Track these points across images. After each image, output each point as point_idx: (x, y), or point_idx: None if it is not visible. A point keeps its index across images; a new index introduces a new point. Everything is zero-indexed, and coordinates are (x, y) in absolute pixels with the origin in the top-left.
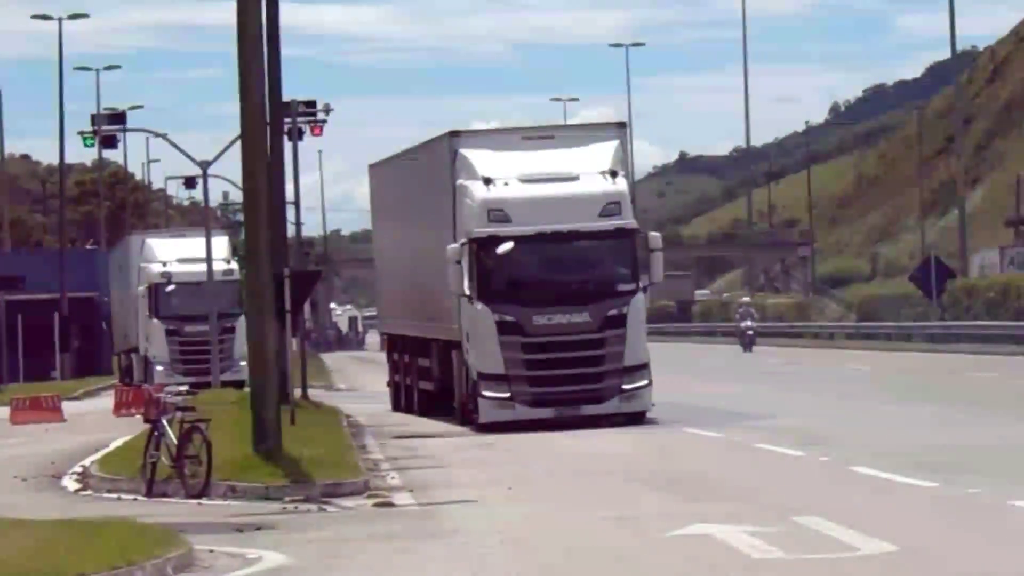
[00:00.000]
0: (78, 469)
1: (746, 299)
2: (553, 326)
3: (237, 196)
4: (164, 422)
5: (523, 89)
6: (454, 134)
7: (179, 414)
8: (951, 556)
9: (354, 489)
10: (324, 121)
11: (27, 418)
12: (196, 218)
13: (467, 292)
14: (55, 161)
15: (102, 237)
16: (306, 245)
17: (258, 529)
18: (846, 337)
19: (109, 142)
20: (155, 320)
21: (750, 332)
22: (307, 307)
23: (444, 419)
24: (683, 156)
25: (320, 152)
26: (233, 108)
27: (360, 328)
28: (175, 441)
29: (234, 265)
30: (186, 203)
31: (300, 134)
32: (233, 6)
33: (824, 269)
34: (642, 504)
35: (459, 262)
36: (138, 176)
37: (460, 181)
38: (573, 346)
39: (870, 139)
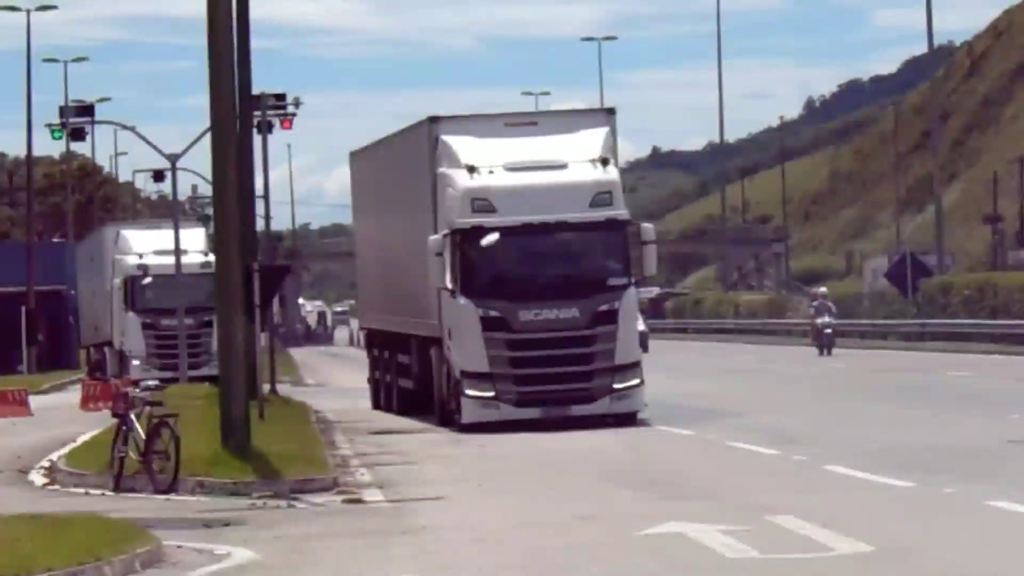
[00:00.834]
0: (45, 464)
1: (823, 289)
2: (540, 322)
3: (206, 189)
4: (132, 417)
5: (494, 83)
6: (434, 120)
7: (147, 409)
8: (927, 556)
9: (323, 485)
10: (294, 114)
11: None
12: (164, 212)
13: (449, 286)
14: (22, 153)
15: (70, 230)
16: (275, 239)
17: (226, 525)
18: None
19: (77, 135)
20: (131, 313)
21: (828, 331)
22: (276, 302)
23: (423, 419)
24: (656, 151)
25: (289, 146)
26: (202, 101)
27: (329, 323)
28: (143, 436)
29: (212, 257)
30: (154, 197)
31: (270, 127)
32: None
33: (798, 266)
34: (615, 502)
35: (441, 254)
36: (106, 169)
37: (442, 169)
38: (561, 343)
39: (845, 135)
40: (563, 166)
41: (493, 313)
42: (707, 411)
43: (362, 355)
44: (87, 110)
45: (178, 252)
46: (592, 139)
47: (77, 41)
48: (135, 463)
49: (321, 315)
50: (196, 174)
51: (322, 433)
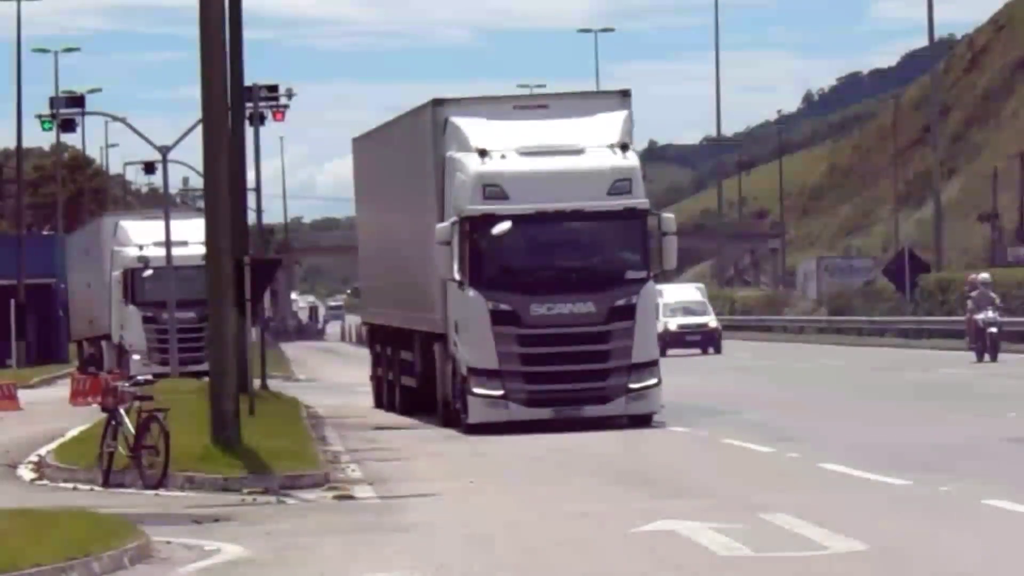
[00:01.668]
0: (34, 458)
1: (983, 276)
2: (553, 317)
3: (197, 182)
4: (122, 411)
5: (489, 75)
6: (438, 102)
7: (137, 403)
8: (922, 555)
9: (314, 481)
10: (286, 106)
11: None
12: (155, 204)
13: (457, 277)
14: (12, 145)
15: (60, 223)
16: (267, 233)
17: (216, 521)
18: (817, 332)
19: (67, 126)
20: (131, 306)
21: (993, 330)
22: (267, 296)
23: (427, 419)
24: (652, 145)
25: (282, 138)
26: (194, 92)
27: (321, 318)
28: (132, 431)
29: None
30: (145, 189)
31: (262, 119)
32: None
33: (795, 262)
34: (608, 499)
35: (448, 243)
36: (97, 161)
37: (451, 153)
38: (575, 339)
39: (844, 129)
40: (579, 151)
41: (503, 306)
42: (701, 408)
43: (354, 350)
44: (77, 101)
45: (168, 243)
46: (610, 123)
47: (68, 31)
48: (124, 458)
49: (313, 310)
50: (187, 166)
51: (313, 429)
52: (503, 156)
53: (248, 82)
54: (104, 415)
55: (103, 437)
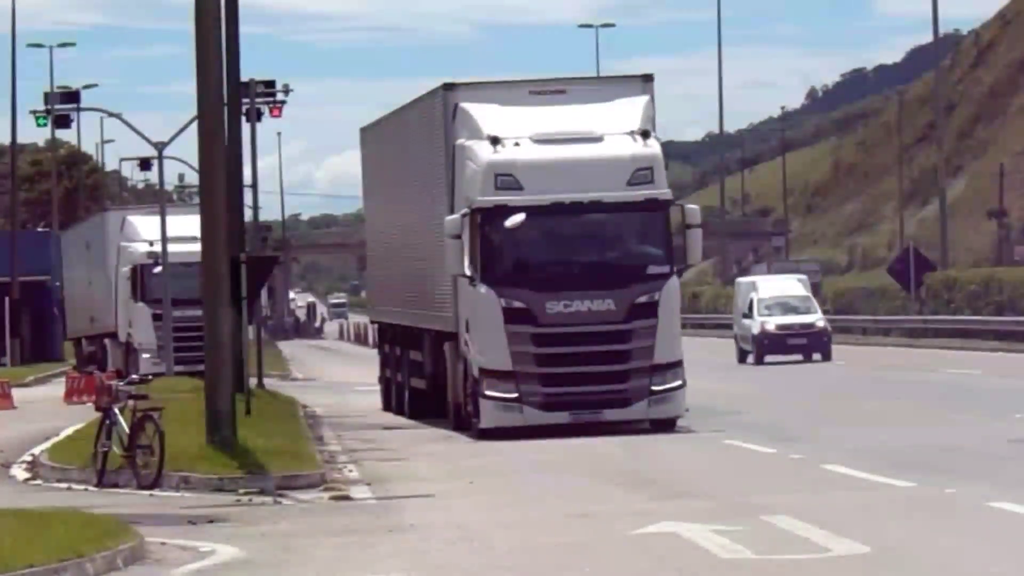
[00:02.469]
0: (27, 458)
1: None
2: (570, 314)
3: (193, 178)
4: (116, 410)
5: (489, 70)
6: (449, 87)
7: (132, 402)
8: (926, 558)
9: (310, 482)
10: (283, 102)
11: None
12: (151, 200)
13: (468, 273)
14: (6, 140)
15: (55, 219)
16: (264, 230)
17: (211, 522)
18: None
19: (62, 121)
20: (141, 304)
21: None
22: (264, 294)
23: (437, 423)
24: None
25: (279, 134)
26: (190, 87)
27: (319, 316)
28: (127, 430)
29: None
30: (141, 185)
31: (259, 115)
32: None
33: (799, 260)
34: (608, 500)
35: (458, 237)
36: (92, 157)
37: (461, 141)
38: (594, 339)
39: (848, 125)
40: (598, 139)
41: (517, 304)
42: (703, 408)
43: (352, 349)
44: (72, 96)
45: (164, 239)
46: (630, 109)
47: (63, 26)
48: (119, 458)
49: (311, 307)
50: (183, 162)
51: (310, 428)
52: (517, 144)
53: (245, 78)
54: (98, 414)
55: (97, 436)
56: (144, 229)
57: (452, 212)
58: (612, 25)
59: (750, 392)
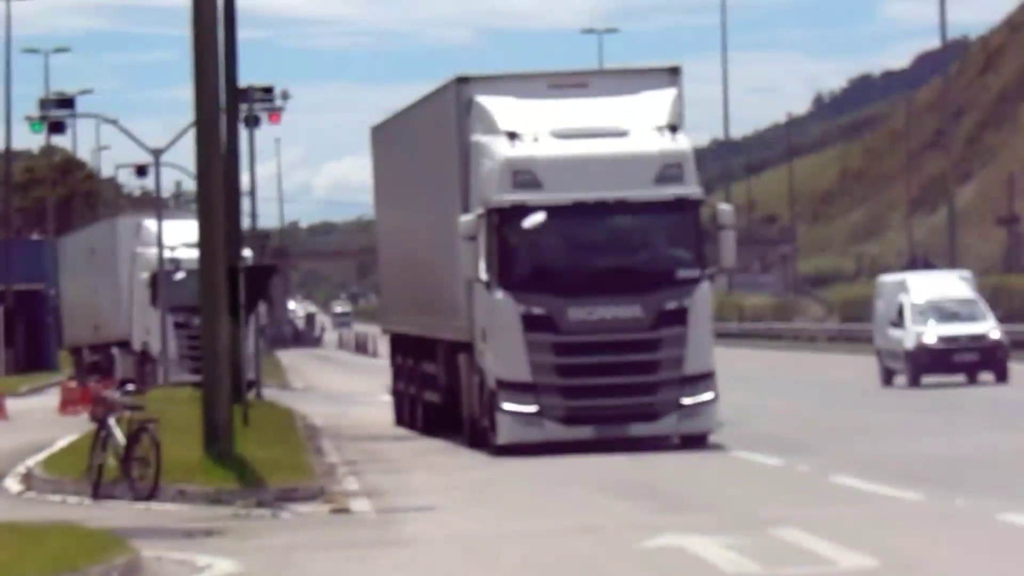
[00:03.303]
0: (21, 470)
1: None
2: (594, 322)
3: (191, 185)
4: (111, 422)
5: None
6: (462, 80)
7: (127, 413)
8: (934, 571)
9: (309, 494)
10: (282, 108)
11: None
12: (148, 208)
13: (484, 277)
14: (0, 147)
15: (49, 227)
16: (262, 237)
17: (208, 535)
18: (828, 340)
19: (57, 128)
20: (159, 311)
21: None
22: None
23: (452, 439)
24: None
25: (278, 140)
26: (187, 93)
27: (318, 325)
28: (123, 442)
29: (247, 252)
30: (137, 192)
31: (257, 121)
32: None
33: (805, 268)
34: (611, 513)
35: (474, 238)
36: (88, 164)
37: (476, 137)
38: (619, 348)
39: (855, 131)
40: (623, 134)
41: (537, 311)
42: None
43: (352, 358)
44: (68, 102)
45: (160, 246)
46: (657, 102)
47: (58, 31)
48: (114, 470)
49: (310, 316)
50: (181, 169)
51: (308, 440)
52: (536, 139)
53: (243, 83)
54: (93, 425)
55: (92, 448)
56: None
57: (467, 212)
58: (616, 30)
59: (753, 403)
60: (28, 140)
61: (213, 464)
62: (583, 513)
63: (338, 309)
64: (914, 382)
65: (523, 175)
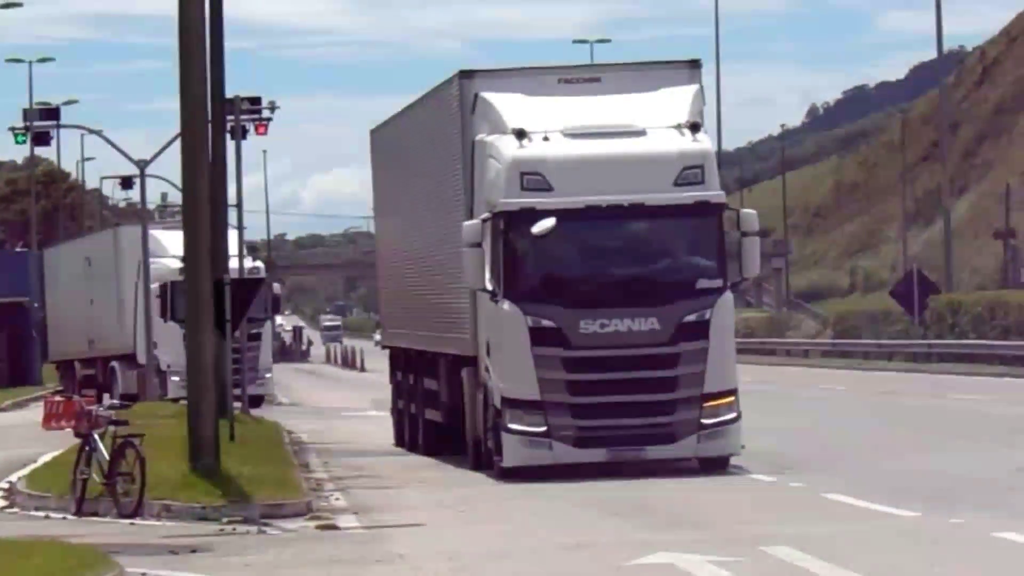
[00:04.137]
0: (4, 485)
1: None
2: (608, 335)
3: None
4: (96, 436)
5: None
6: (467, 74)
7: (112, 428)
8: None
9: (296, 510)
10: (269, 119)
11: None
12: (133, 220)
13: (489, 287)
14: None
15: (33, 239)
16: (249, 251)
17: (193, 551)
18: (822, 355)
19: (41, 139)
20: (170, 323)
21: None
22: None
23: (455, 461)
24: None
25: (265, 152)
26: (173, 104)
27: (305, 339)
28: (107, 457)
29: (260, 263)
30: (123, 204)
31: (244, 133)
32: None
33: (799, 282)
34: (601, 530)
35: (478, 245)
36: (72, 175)
37: (481, 136)
38: (635, 364)
39: (850, 144)
40: (640, 132)
41: (546, 323)
42: None
43: (339, 372)
44: (52, 113)
45: (147, 255)
46: (676, 99)
47: (42, 41)
48: (98, 486)
49: (297, 330)
50: (167, 181)
51: (295, 455)
52: (545, 138)
53: (229, 94)
54: (77, 440)
55: (76, 463)
56: (171, 245)
57: (471, 217)
58: (608, 41)
59: (745, 419)
60: (11, 151)
61: (199, 480)
62: (573, 530)
63: (328, 323)
64: None
65: (532, 177)
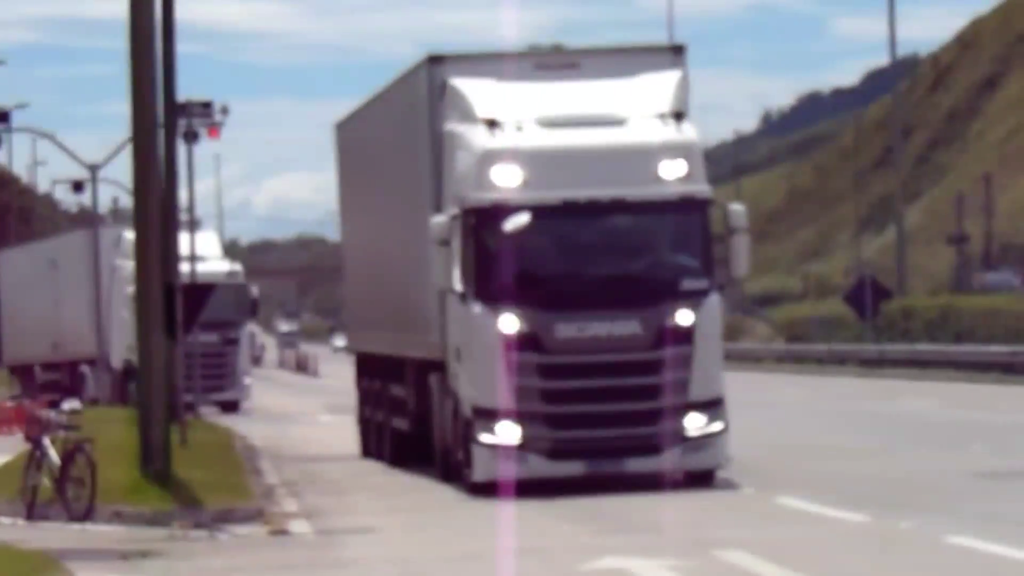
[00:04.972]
0: None
1: None
2: (586, 340)
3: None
4: (46, 441)
5: None
6: (435, 60)
7: (63, 433)
8: None
9: (247, 515)
10: (221, 123)
11: None
12: (86, 224)
13: (458, 288)
14: None
15: None
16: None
17: (144, 556)
18: (775, 360)
19: None
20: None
21: None
22: None
23: (421, 473)
24: None
25: (217, 156)
26: (125, 108)
27: (258, 345)
28: (58, 462)
29: (238, 266)
30: (74, 209)
31: (195, 136)
32: None
33: (753, 287)
34: (553, 535)
35: (447, 243)
36: (23, 179)
37: (450, 126)
38: (615, 370)
39: (804, 150)
40: (620, 122)
41: (520, 327)
42: None
43: (292, 378)
44: (3, 117)
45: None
46: (659, 86)
47: None
48: (49, 490)
49: (250, 336)
50: (118, 185)
51: (247, 460)
52: (519, 128)
53: (181, 98)
54: (27, 445)
55: (27, 468)
56: None
57: (439, 213)
58: (560, 46)
59: None
60: None
61: (149, 485)
62: (525, 535)
63: (284, 328)
64: None
65: (504, 170)
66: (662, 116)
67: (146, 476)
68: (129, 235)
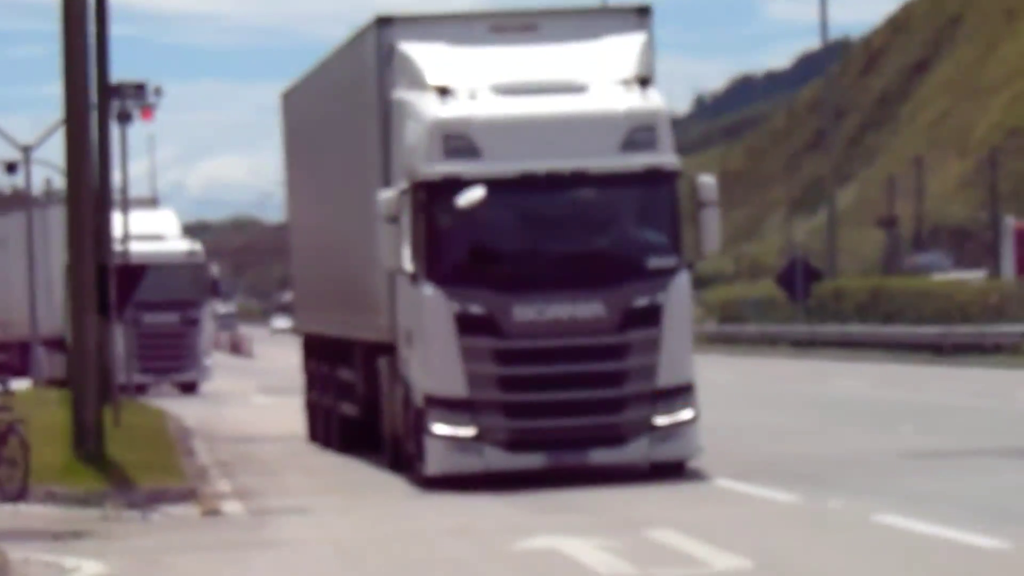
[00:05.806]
0: None
1: None
2: (546, 323)
3: (62, 183)
4: None
5: None
6: (384, 22)
7: None
8: (807, 572)
9: (180, 495)
10: (155, 104)
11: None
12: (18, 206)
13: (408, 268)
14: None
15: None
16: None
17: (77, 537)
18: (707, 341)
19: None
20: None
21: None
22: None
23: (373, 461)
24: None
25: (151, 138)
26: (58, 89)
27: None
28: None
29: (198, 246)
30: (7, 191)
31: (129, 118)
32: None
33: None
34: (486, 515)
35: (396, 220)
36: None
37: (400, 94)
38: (577, 355)
39: (736, 132)
40: (582, 88)
41: (475, 309)
42: None
43: (227, 360)
44: None
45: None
46: (623, 50)
47: None
48: None
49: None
50: (51, 166)
51: (180, 441)
52: (473, 96)
53: (115, 79)
54: None
55: None
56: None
57: (388, 187)
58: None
59: None
60: None
61: (82, 465)
62: (456, 514)
63: (222, 310)
64: None
65: (457, 140)
66: (626, 82)
67: (79, 457)
68: None
